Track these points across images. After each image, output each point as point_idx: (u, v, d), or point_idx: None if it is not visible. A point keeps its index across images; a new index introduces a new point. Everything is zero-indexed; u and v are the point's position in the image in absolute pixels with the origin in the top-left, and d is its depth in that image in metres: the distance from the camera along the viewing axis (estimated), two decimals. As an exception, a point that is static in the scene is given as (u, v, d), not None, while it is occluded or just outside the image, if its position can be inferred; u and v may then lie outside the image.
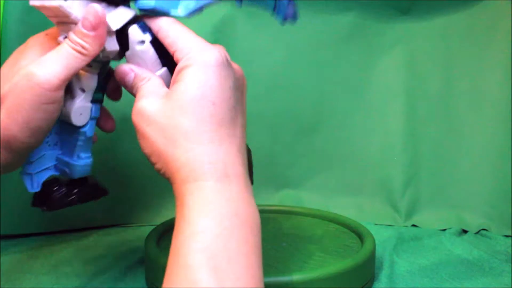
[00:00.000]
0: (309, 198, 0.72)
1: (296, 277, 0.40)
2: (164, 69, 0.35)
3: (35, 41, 0.36)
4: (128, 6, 0.35)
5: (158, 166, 0.31)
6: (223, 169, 0.29)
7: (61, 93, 0.32)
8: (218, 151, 0.29)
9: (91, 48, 0.32)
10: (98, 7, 0.32)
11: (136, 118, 0.32)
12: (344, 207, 0.69)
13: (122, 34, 0.34)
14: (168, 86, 0.33)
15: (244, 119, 0.33)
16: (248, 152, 0.42)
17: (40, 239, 0.60)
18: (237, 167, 0.30)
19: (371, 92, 0.73)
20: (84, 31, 0.32)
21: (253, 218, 0.29)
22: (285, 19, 0.38)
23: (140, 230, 0.63)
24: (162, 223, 0.55)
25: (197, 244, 0.26)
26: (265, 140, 0.73)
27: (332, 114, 0.73)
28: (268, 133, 0.73)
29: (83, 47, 0.32)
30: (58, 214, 0.61)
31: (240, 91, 0.33)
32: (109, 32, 0.33)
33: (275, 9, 0.38)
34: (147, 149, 0.31)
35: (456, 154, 0.70)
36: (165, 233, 0.53)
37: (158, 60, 0.34)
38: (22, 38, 0.57)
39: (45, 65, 0.31)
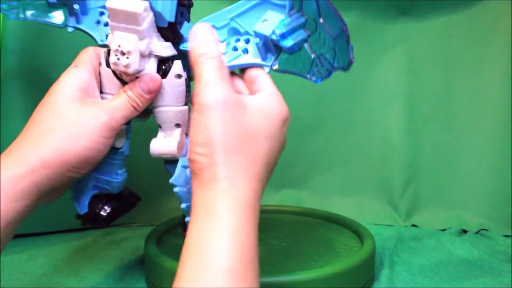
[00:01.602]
0: (309, 198, 0.72)
1: (296, 277, 0.40)
2: (186, 107, 0.39)
3: (69, 77, 0.37)
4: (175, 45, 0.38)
5: (201, 158, 0.31)
6: (253, 203, 0.31)
7: (113, 136, 0.37)
8: (256, 188, 0.32)
9: (143, 105, 0.37)
10: (158, 77, 0.37)
11: (214, 98, 0.32)
12: (344, 207, 0.69)
13: (161, 64, 0.38)
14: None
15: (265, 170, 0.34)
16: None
17: (40, 239, 0.60)
18: (258, 206, 0.32)
19: (371, 92, 0.73)
20: (141, 92, 0.37)
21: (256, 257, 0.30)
22: (348, 66, 0.40)
23: (140, 230, 0.63)
24: (162, 223, 0.55)
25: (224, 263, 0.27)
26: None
27: (332, 114, 0.73)
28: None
29: (137, 104, 0.37)
30: (58, 214, 0.61)
31: (282, 151, 0.36)
32: (156, 56, 0.37)
33: (310, 70, 0.38)
34: (203, 136, 0.31)
35: (456, 154, 0.70)
36: (165, 233, 0.53)
37: (185, 96, 0.38)
38: (22, 38, 0.58)
39: (110, 109, 0.36)
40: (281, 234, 0.55)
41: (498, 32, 0.67)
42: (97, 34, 0.41)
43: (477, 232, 0.65)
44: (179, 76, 0.38)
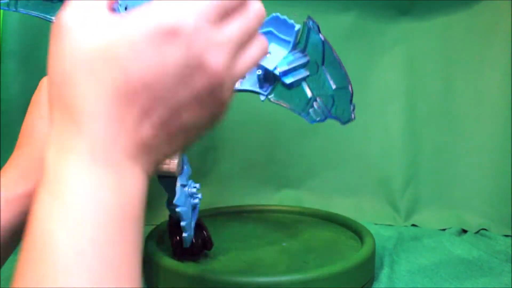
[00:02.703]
0: (309, 198, 0.72)
1: (296, 277, 0.40)
2: None
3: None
4: None
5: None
6: (102, 152, 0.22)
7: None
8: (104, 130, 0.22)
9: None
10: None
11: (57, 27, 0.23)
12: (344, 207, 0.69)
13: None
14: None
15: (172, 123, 0.24)
16: None
17: (40, 239, 0.60)
18: (123, 157, 0.23)
19: (371, 92, 0.73)
20: None
21: (133, 211, 0.23)
22: (347, 121, 0.39)
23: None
24: (162, 223, 0.55)
25: (67, 237, 0.21)
26: (265, 140, 0.73)
27: (332, 114, 0.73)
28: (268, 133, 0.73)
29: None
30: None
31: (186, 86, 0.23)
32: None
33: (305, 109, 0.39)
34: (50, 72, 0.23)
35: (456, 154, 0.70)
36: (165, 233, 0.53)
37: None
38: (22, 38, 0.58)
39: None
40: (281, 234, 0.55)
41: (498, 32, 0.67)
42: None
43: (477, 232, 0.65)
44: None
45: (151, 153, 0.24)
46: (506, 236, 0.64)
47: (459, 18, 0.69)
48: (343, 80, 0.39)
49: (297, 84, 0.37)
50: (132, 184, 0.23)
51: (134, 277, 0.22)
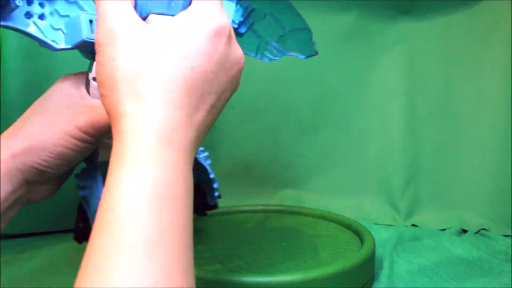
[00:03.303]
0: (309, 198, 0.73)
1: (296, 277, 0.40)
2: None
3: (65, 80, 0.36)
4: None
5: (104, 99, 0.27)
6: (168, 134, 0.25)
7: (95, 142, 0.35)
8: (172, 116, 0.26)
9: None
10: None
11: (104, 34, 0.27)
12: (344, 207, 0.69)
13: None
14: None
15: (216, 105, 0.29)
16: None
17: (40, 239, 0.60)
18: (184, 139, 0.26)
19: (371, 92, 0.73)
20: None
21: (188, 192, 0.26)
22: (310, 56, 0.44)
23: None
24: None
25: (126, 209, 0.23)
26: (265, 140, 0.73)
27: (332, 114, 0.73)
28: (268, 133, 0.73)
29: None
30: (58, 214, 0.61)
31: (227, 74, 0.29)
32: None
33: (258, 52, 0.43)
34: (102, 75, 0.27)
35: (456, 154, 0.70)
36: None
37: None
38: (22, 39, 0.58)
39: (91, 116, 0.34)
40: (281, 234, 0.55)
41: (498, 32, 0.67)
42: (35, 30, 0.33)
43: (477, 232, 0.65)
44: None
45: (199, 136, 0.28)
46: (506, 236, 0.64)
47: (459, 18, 0.69)
48: (298, 22, 0.44)
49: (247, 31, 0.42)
50: (188, 167, 0.26)
51: (191, 256, 0.24)
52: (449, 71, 0.70)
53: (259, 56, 0.45)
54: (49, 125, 0.33)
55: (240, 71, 0.30)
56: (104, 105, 0.28)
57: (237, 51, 0.30)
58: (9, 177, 0.33)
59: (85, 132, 0.34)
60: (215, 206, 0.51)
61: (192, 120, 0.27)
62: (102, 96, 0.28)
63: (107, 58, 0.27)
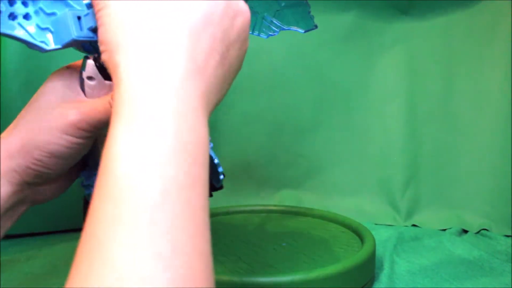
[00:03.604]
0: (309, 198, 0.72)
1: (296, 277, 0.40)
2: None
3: (57, 76, 0.36)
4: None
5: (104, 55, 0.27)
6: (171, 81, 0.24)
7: (91, 139, 0.34)
8: (175, 63, 0.25)
9: None
10: None
11: None
12: (344, 207, 0.69)
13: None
14: None
15: (226, 57, 0.28)
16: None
17: (40, 239, 0.60)
18: (190, 87, 0.25)
19: (370, 91, 0.73)
20: None
21: (198, 146, 0.23)
22: (309, 29, 0.42)
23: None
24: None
25: (124, 168, 0.20)
26: (265, 140, 0.73)
27: (331, 114, 0.73)
28: (268, 133, 0.73)
29: None
30: (58, 214, 0.61)
31: (231, 22, 0.28)
32: None
33: (254, 29, 0.41)
34: (102, 32, 0.27)
35: (457, 154, 0.70)
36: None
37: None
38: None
39: (85, 111, 0.33)
40: (281, 234, 0.55)
41: (498, 32, 0.67)
42: (23, 33, 0.32)
43: (477, 232, 0.65)
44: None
45: (210, 95, 0.26)
46: (507, 236, 0.64)
47: (459, 18, 0.69)
48: None
49: None
50: (203, 126, 0.24)
51: (206, 220, 0.22)
52: (449, 70, 0.70)
53: (256, 32, 0.44)
54: (41, 123, 0.33)
55: (245, 24, 0.30)
56: (105, 62, 0.27)
57: (239, 1, 0.30)
58: (8, 179, 0.32)
59: (79, 128, 0.33)
60: (221, 187, 0.49)
61: (197, 66, 0.25)
62: (102, 53, 0.27)
63: (102, 15, 0.27)
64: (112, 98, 0.33)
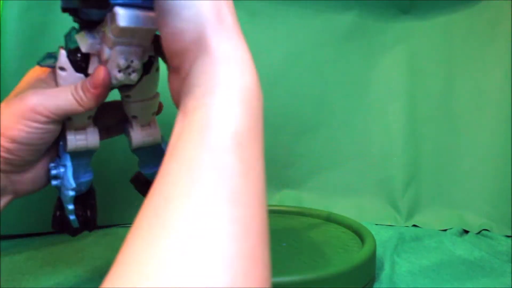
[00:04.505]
0: (309, 198, 0.72)
1: (296, 277, 0.40)
2: (159, 92, 0.38)
3: (34, 70, 0.37)
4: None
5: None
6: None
7: (51, 125, 0.34)
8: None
9: (88, 101, 0.34)
10: (105, 73, 0.34)
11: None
12: (344, 207, 0.69)
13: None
14: None
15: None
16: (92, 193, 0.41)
17: (40, 239, 0.60)
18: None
19: (371, 91, 0.73)
20: (88, 86, 0.34)
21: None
22: None
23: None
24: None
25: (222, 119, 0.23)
26: (265, 140, 0.73)
27: (332, 114, 0.73)
28: (268, 133, 0.73)
29: (81, 98, 0.34)
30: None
31: None
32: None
33: None
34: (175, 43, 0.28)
35: (457, 154, 0.70)
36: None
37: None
38: (21, 37, 0.58)
39: (44, 96, 0.34)
40: (281, 234, 0.54)
41: (498, 31, 0.67)
42: None
43: (478, 233, 0.65)
44: (157, 69, 0.37)
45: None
46: (508, 236, 0.64)
47: (459, 17, 0.69)
48: None
49: None
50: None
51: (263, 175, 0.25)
52: (450, 70, 0.70)
53: None
54: (7, 111, 0.33)
55: None
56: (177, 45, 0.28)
57: None
58: None
59: (36, 112, 0.33)
60: None
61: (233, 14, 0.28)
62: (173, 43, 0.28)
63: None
64: (75, 89, 0.34)
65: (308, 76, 0.73)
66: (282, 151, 0.73)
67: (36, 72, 0.37)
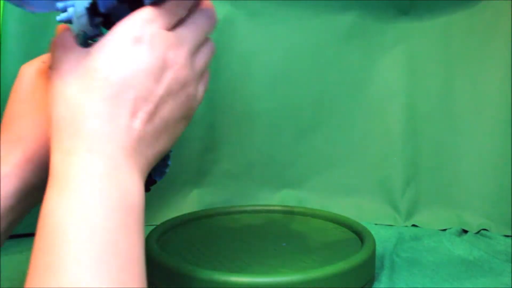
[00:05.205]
0: (309, 198, 0.72)
1: (296, 277, 0.40)
2: None
3: (29, 71, 0.37)
4: None
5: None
6: (96, 145, 0.26)
7: None
8: (96, 127, 0.26)
9: None
10: None
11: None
12: (344, 207, 0.69)
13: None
14: None
15: (156, 113, 0.28)
16: None
17: (40, 239, 0.60)
18: (114, 147, 0.26)
19: (371, 91, 0.73)
20: None
21: (129, 202, 0.26)
22: None
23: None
24: (162, 223, 0.55)
25: (80, 232, 0.23)
26: (265, 140, 0.73)
27: (332, 114, 0.73)
28: (268, 133, 0.73)
29: None
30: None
31: (158, 80, 0.28)
32: None
33: None
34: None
35: (456, 154, 0.70)
36: (165, 233, 0.53)
37: None
38: (22, 38, 0.58)
39: None
40: (281, 234, 0.55)
41: (498, 32, 0.67)
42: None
43: (477, 232, 0.65)
44: None
45: (142, 150, 0.28)
46: (507, 236, 0.64)
47: (459, 18, 0.69)
48: None
49: None
50: (129, 178, 0.26)
51: (141, 267, 0.24)
52: (449, 70, 0.70)
53: None
54: (43, 123, 0.33)
55: (179, 78, 0.29)
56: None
57: (169, 57, 0.29)
58: (26, 181, 0.33)
59: None
60: (156, 182, 0.46)
61: (118, 127, 0.27)
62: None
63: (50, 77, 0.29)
64: None
65: (308, 76, 0.73)
66: (282, 151, 0.73)
67: (35, 76, 0.37)
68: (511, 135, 0.66)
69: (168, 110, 0.29)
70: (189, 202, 0.70)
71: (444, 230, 0.66)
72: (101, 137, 0.26)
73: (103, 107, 0.26)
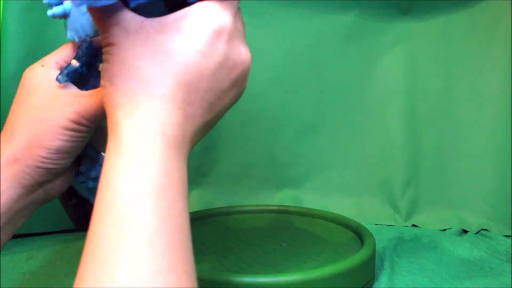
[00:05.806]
0: (309, 198, 0.72)
1: (296, 277, 0.40)
2: None
3: (35, 73, 0.36)
4: None
5: (103, 89, 0.28)
6: (160, 127, 0.26)
7: (86, 130, 0.35)
8: (163, 109, 0.26)
9: None
10: None
11: (106, 34, 0.28)
12: (344, 207, 0.69)
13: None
14: None
15: (216, 103, 0.29)
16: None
17: (40, 239, 0.60)
18: (177, 132, 0.27)
19: (371, 91, 0.73)
20: None
21: (182, 183, 0.27)
22: None
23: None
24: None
25: (125, 200, 0.24)
26: (265, 140, 0.73)
27: (332, 114, 0.73)
28: (268, 133, 0.73)
29: None
30: (58, 214, 0.61)
31: (228, 73, 0.29)
32: None
33: None
34: (103, 68, 0.28)
35: (456, 154, 0.70)
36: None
37: None
38: (22, 38, 0.58)
39: (82, 108, 0.34)
40: (281, 234, 0.55)
41: (498, 32, 0.67)
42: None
43: (477, 232, 0.65)
44: None
45: (196, 132, 0.29)
46: (507, 236, 0.64)
47: (459, 18, 0.69)
48: None
49: None
50: (183, 166, 0.27)
51: (191, 246, 0.25)
52: (449, 70, 0.70)
53: None
54: (41, 122, 0.33)
55: (245, 72, 0.31)
56: (103, 94, 0.28)
57: (241, 51, 0.30)
58: (18, 180, 0.33)
59: (78, 123, 0.33)
60: None
61: (185, 114, 0.27)
62: (101, 86, 0.29)
63: (107, 54, 0.28)
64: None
65: (308, 76, 0.73)
66: (282, 151, 0.73)
67: (40, 76, 0.36)
68: (511, 135, 0.66)
69: (225, 103, 0.30)
70: (189, 202, 0.70)
71: (444, 230, 0.66)
72: (168, 120, 0.26)
73: (177, 92, 0.27)
